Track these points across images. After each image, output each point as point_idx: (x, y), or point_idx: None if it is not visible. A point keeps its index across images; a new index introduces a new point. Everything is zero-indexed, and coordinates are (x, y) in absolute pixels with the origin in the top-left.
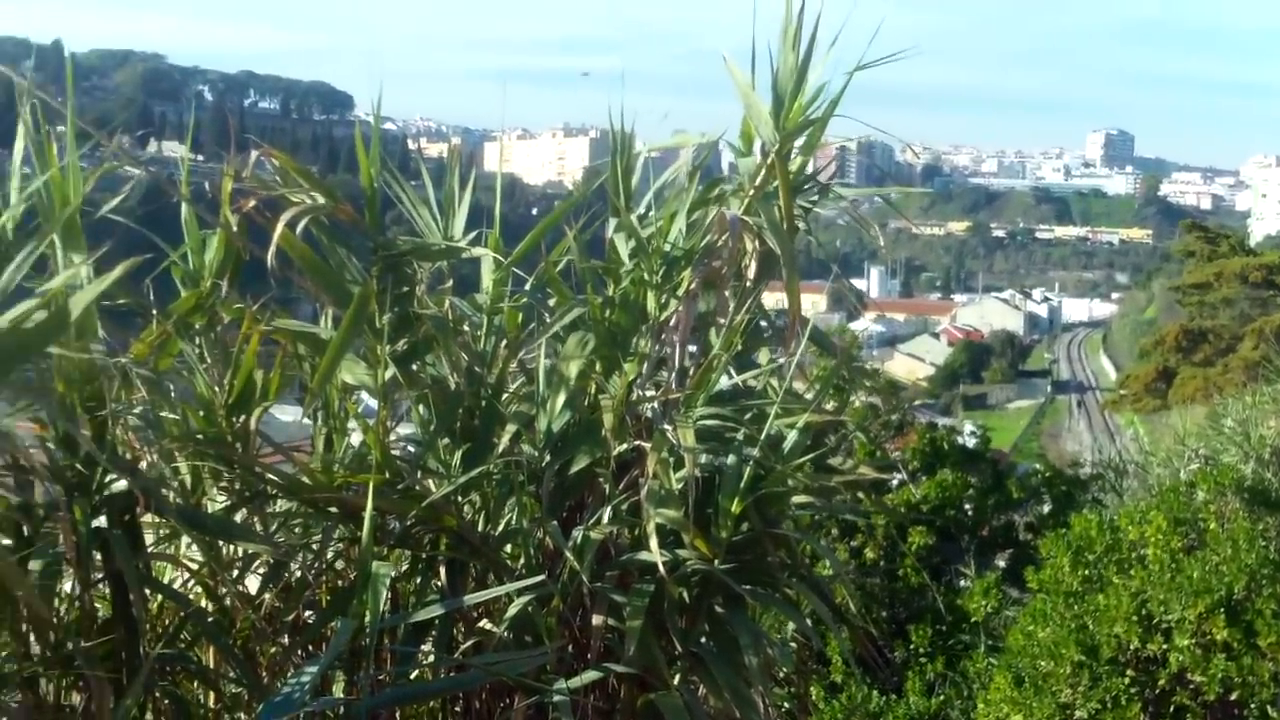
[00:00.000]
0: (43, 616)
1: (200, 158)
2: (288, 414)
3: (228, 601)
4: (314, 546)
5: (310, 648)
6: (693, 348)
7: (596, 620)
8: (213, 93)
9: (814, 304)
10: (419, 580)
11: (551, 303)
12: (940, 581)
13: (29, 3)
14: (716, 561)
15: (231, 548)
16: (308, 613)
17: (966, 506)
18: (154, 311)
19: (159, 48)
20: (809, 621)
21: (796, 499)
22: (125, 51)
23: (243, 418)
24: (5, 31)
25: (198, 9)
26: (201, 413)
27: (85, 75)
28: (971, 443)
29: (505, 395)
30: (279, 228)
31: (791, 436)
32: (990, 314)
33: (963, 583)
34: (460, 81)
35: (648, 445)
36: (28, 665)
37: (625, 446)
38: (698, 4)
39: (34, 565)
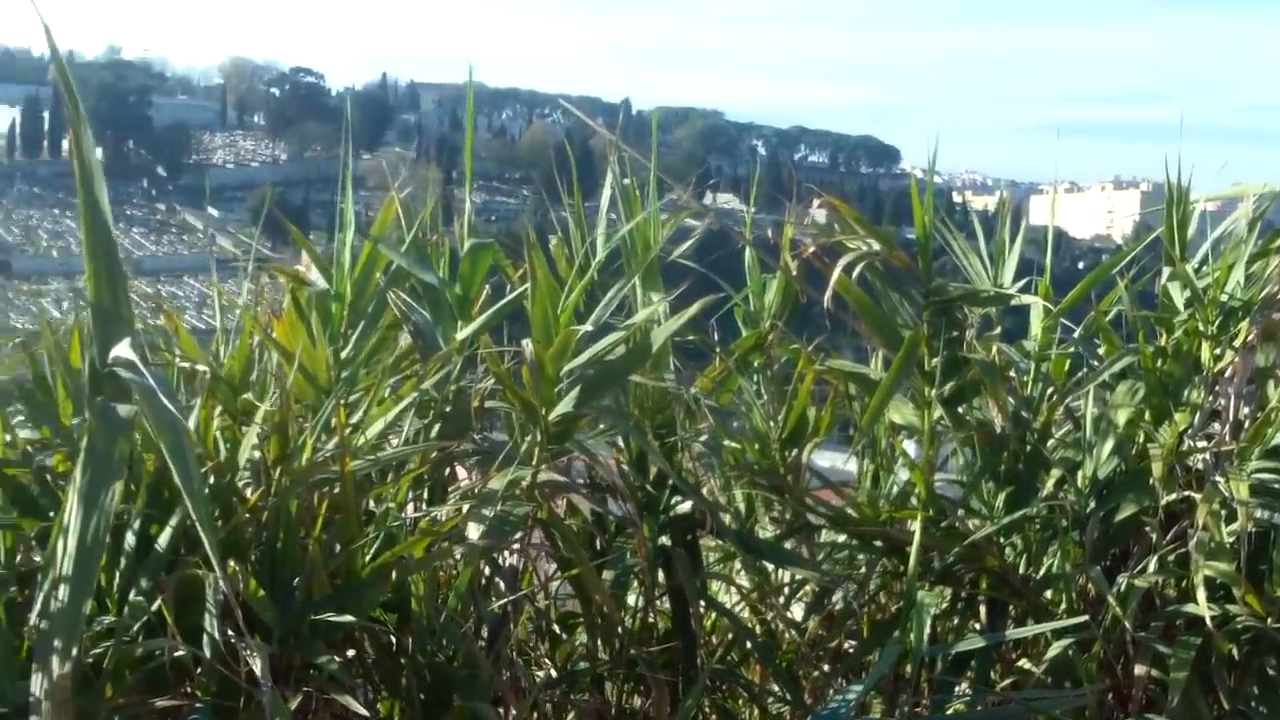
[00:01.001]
0: (614, 621)
1: (752, 209)
2: (825, 459)
3: (774, 625)
4: (856, 578)
5: (849, 676)
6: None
7: (1139, 670)
8: (766, 147)
9: None
10: (957, 618)
11: (1100, 351)
12: None
13: (599, 63)
14: (1270, 620)
15: (779, 574)
16: (849, 642)
17: None
18: (716, 349)
19: (718, 104)
20: None
21: None
22: (687, 109)
23: (794, 452)
24: (580, 91)
25: (753, 68)
26: (756, 445)
27: (650, 132)
28: None
29: (1051, 441)
30: (836, 272)
31: None
32: None
33: None
34: (1004, 135)
35: (1198, 496)
36: (599, 665)
37: (1174, 496)
38: (1249, 56)
39: (607, 575)
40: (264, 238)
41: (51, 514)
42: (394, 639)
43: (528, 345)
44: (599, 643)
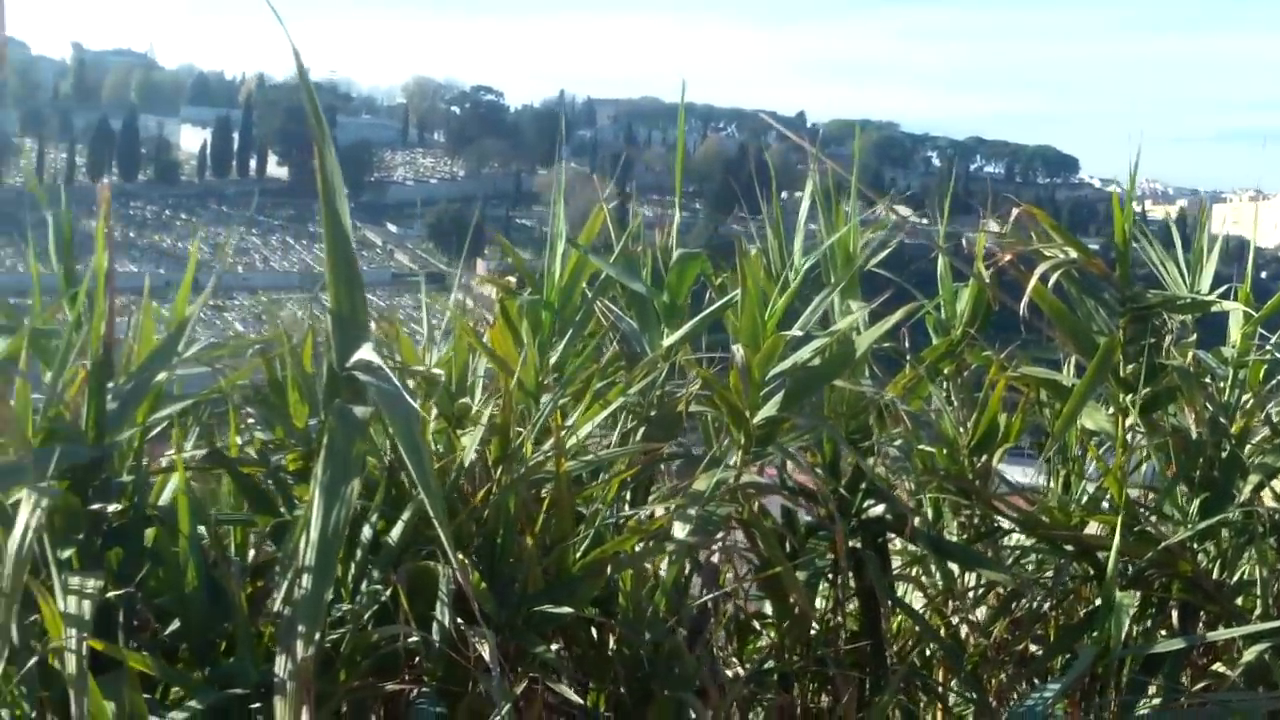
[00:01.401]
0: (807, 619)
1: (924, 220)
2: (1009, 471)
3: (959, 628)
4: (1044, 582)
5: (1034, 679)
6: None
7: None
8: (941, 158)
9: None
10: (1149, 622)
11: None
12: None
13: (773, 77)
14: None
15: (963, 579)
16: (1034, 646)
17: None
18: (908, 356)
19: (893, 116)
20: None
21: None
22: (862, 120)
23: (984, 457)
24: (755, 105)
25: (929, 79)
26: (945, 451)
27: (825, 144)
28: None
29: (1248, 447)
30: (1034, 279)
31: None
32: None
33: None
34: (1183, 144)
35: None
36: (789, 663)
37: None
38: None
39: (799, 576)
40: (439, 252)
41: (283, 510)
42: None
43: (738, 350)
44: (787, 642)
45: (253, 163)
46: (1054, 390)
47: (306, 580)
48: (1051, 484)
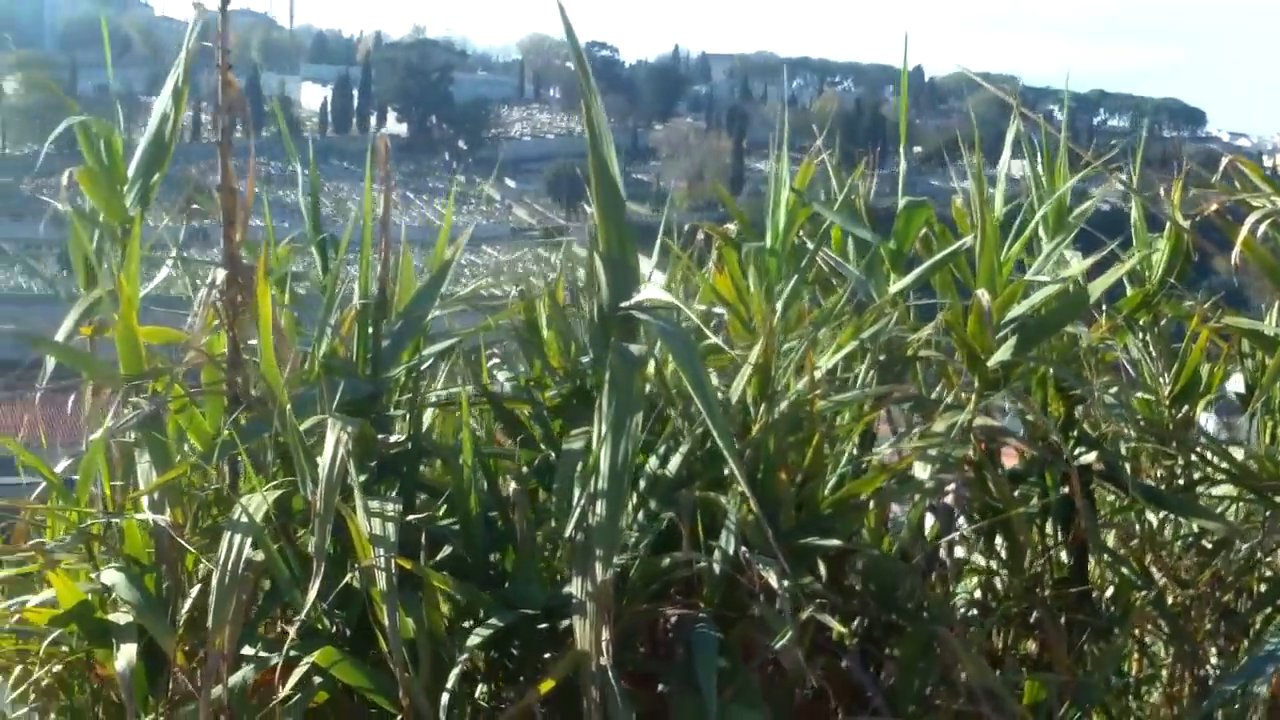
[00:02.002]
0: (1022, 564)
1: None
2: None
3: (1161, 578)
4: (1252, 534)
5: (1237, 633)
6: None
7: None
8: (1063, 111)
9: None
10: None
11: None
12: None
13: (890, 30)
14: None
15: (1164, 530)
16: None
17: None
18: (1103, 306)
19: (1014, 69)
20: None
21: None
22: (982, 74)
23: (1184, 408)
24: (872, 59)
25: (1051, 31)
26: (1145, 400)
27: (942, 98)
28: None
29: None
30: (1244, 230)
31: None
32: None
33: None
34: None
35: None
36: (1009, 605)
37: None
38: None
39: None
40: (556, 207)
41: (543, 446)
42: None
43: (982, 295)
44: (1001, 586)
45: (372, 119)
46: (1259, 341)
47: (600, 508)
48: (1259, 435)
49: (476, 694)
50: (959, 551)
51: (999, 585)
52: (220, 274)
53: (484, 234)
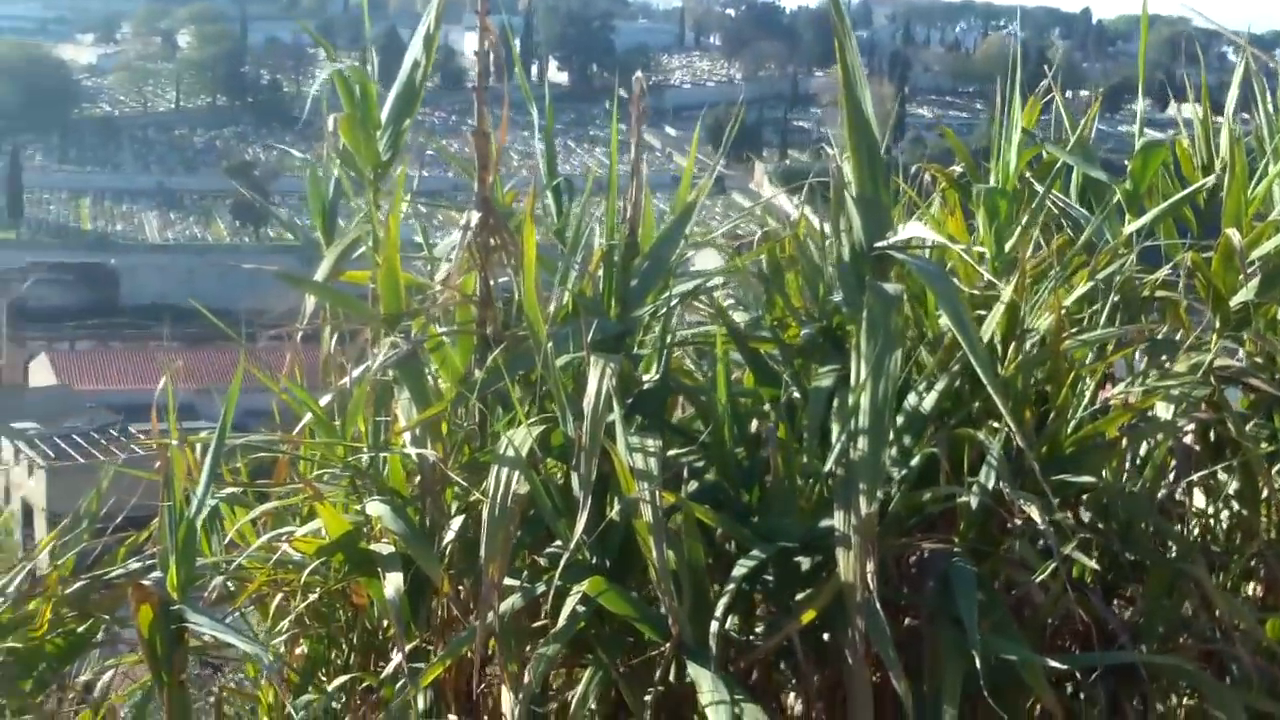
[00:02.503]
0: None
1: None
2: None
3: None
4: None
5: None
6: None
7: None
8: (1237, 54)
9: None
10: None
11: None
12: None
13: None
14: None
15: None
16: None
17: None
18: None
19: (1184, 11)
20: None
21: None
22: (1151, 16)
23: None
24: (1037, 3)
25: None
26: None
27: (1110, 41)
28: None
29: None
30: None
31: None
32: None
33: None
34: None
35: None
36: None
37: None
38: None
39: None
40: (717, 154)
41: (787, 385)
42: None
43: (1233, 234)
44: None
45: (534, 68)
46: None
47: (862, 443)
48: None
49: (726, 627)
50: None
51: (1220, 527)
52: (474, 216)
53: (649, 182)
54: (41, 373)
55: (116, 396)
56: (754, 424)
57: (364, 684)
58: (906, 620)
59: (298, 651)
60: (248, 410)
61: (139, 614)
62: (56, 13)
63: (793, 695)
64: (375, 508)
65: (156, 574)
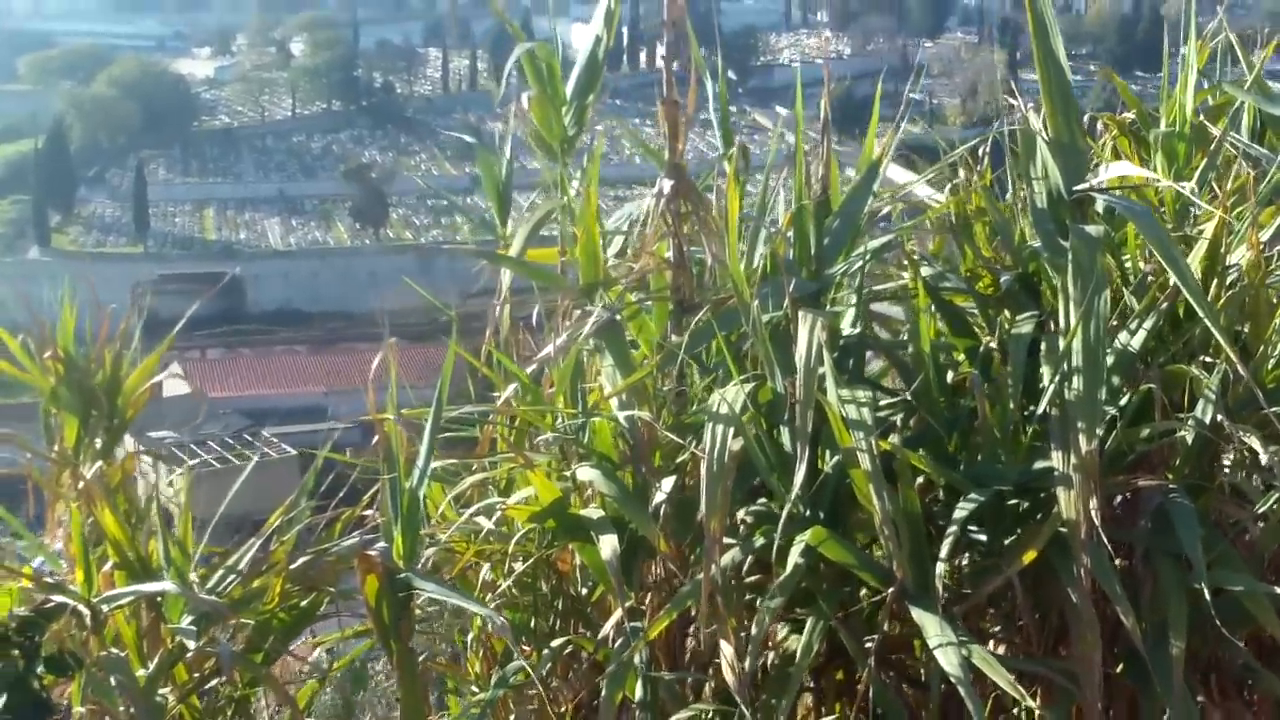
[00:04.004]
0: None
1: None
2: None
3: None
4: None
5: None
6: None
7: None
8: None
9: None
10: None
11: None
12: None
13: None
14: None
15: None
16: None
17: None
18: None
19: None
20: None
21: None
22: None
23: None
24: None
25: None
26: None
27: None
28: None
29: None
30: None
31: None
32: None
33: None
34: None
35: None
36: None
37: None
38: None
39: None
40: (833, 129)
41: (981, 333)
42: None
43: None
44: None
45: (642, 55)
46: None
47: (1076, 383)
48: None
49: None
50: None
51: None
52: (666, 184)
53: (759, 162)
54: (174, 382)
55: (246, 401)
56: (949, 375)
57: (568, 650)
58: (1117, 560)
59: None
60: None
61: (365, 584)
62: (174, 29)
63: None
64: (586, 472)
65: (380, 545)
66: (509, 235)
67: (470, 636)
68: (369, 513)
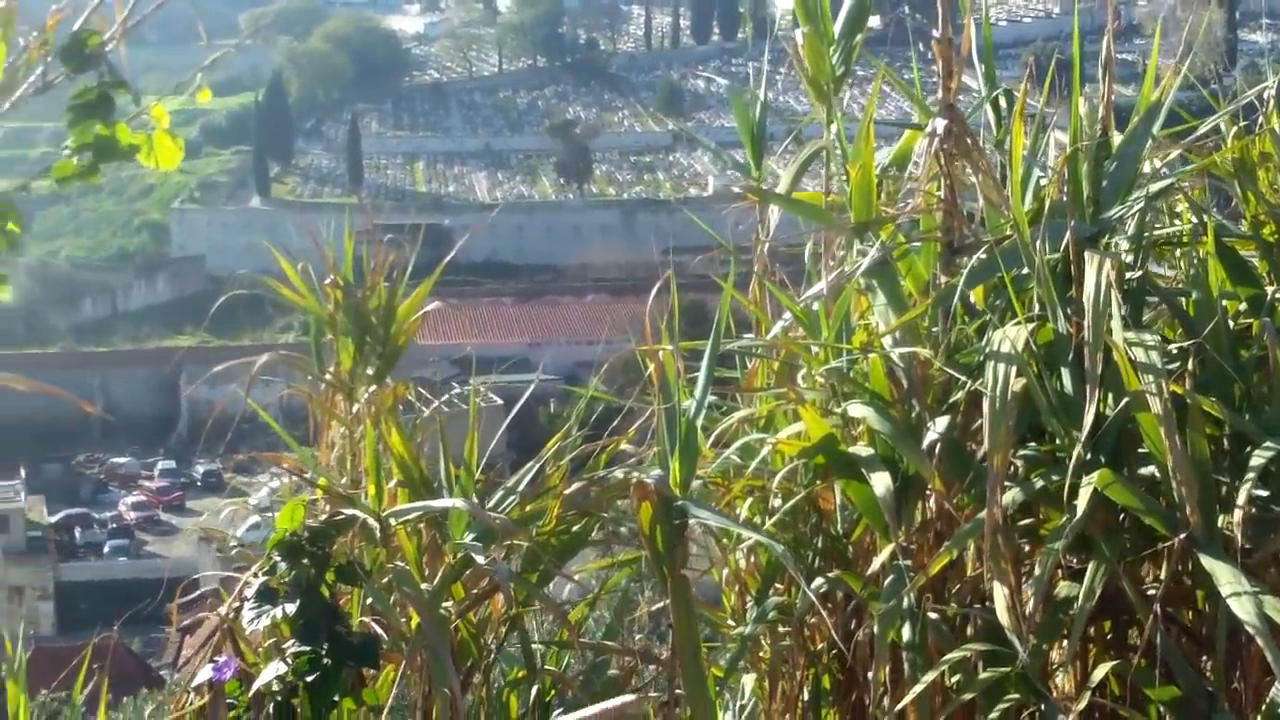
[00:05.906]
0: None
1: None
2: None
3: None
4: None
5: None
6: None
7: None
8: None
9: None
10: None
11: None
12: None
13: None
14: None
15: None
16: None
17: None
18: None
19: None
20: None
21: None
22: None
23: None
24: None
25: None
26: None
27: None
28: None
29: None
30: None
31: None
32: None
33: None
34: None
35: None
36: None
37: None
38: None
39: None
40: (1036, 92)
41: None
42: None
43: None
44: None
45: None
46: None
47: None
48: None
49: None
50: None
51: None
52: (939, 124)
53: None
54: None
55: (455, 350)
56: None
57: (824, 588)
58: None
59: (752, 560)
60: (577, 361)
61: (640, 511)
62: None
63: None
64: (858, 409)
65: (656, 472)
66: (761, 177)
67: (726, 572)
68: (626, 447)
